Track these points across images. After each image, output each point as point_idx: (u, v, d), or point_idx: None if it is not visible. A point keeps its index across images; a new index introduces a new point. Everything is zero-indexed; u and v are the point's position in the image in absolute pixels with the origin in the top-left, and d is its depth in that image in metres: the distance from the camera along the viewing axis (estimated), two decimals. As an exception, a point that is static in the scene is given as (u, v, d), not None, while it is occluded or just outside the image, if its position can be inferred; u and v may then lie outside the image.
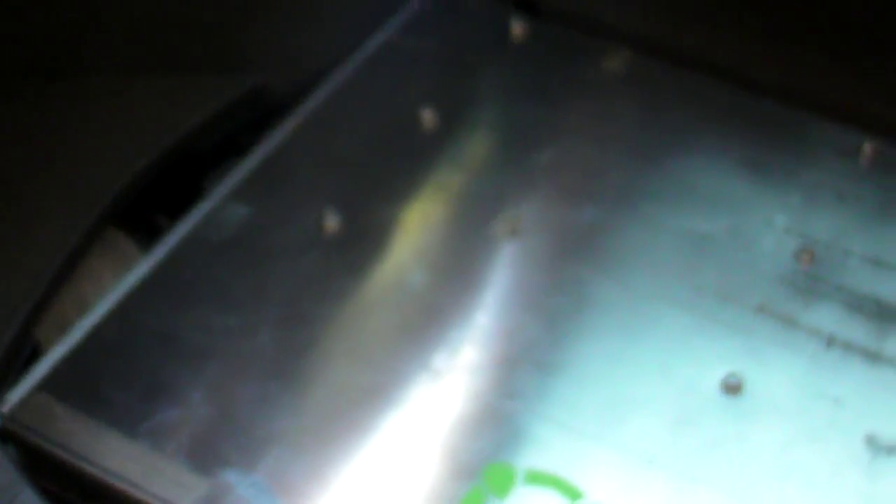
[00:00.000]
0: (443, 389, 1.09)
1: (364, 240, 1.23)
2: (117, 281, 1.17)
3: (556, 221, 1.26)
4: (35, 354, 1.12)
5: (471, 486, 1.01)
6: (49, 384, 1.07)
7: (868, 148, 1.31)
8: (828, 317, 1.15)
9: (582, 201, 1.27)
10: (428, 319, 1.15)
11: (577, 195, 1.28)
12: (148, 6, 1.40)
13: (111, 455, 1.02)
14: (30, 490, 0.95)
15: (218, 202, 1.24)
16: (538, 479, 1.03)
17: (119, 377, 1.09)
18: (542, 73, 1.44)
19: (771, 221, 1.25)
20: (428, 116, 1.35)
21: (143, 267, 1.18)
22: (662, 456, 1.03)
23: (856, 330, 1.13)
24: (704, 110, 1.37)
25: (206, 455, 1.03)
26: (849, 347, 1.13)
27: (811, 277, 1.19)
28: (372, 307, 1.19)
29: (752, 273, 1.20)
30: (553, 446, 1.04)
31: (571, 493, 1.01)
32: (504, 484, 1.02)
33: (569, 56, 1.46)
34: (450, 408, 1.08)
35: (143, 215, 1.30)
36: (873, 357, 1.11)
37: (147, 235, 1.28)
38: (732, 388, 1.08)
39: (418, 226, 1.27)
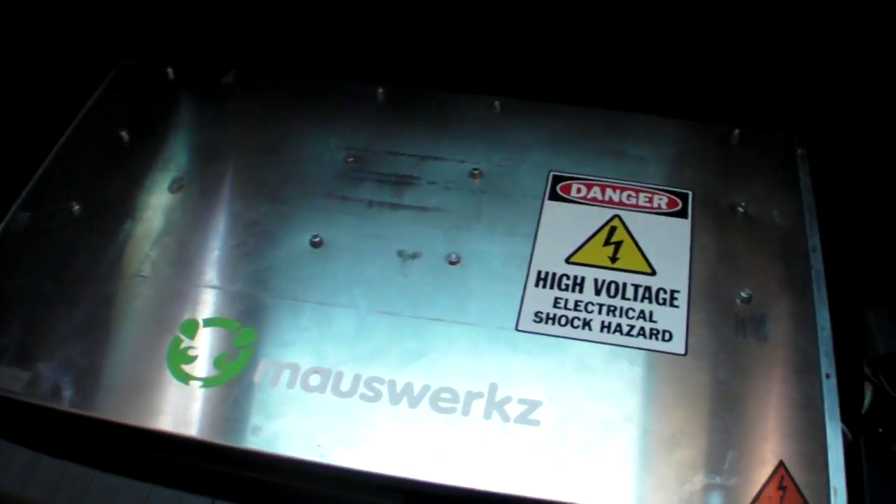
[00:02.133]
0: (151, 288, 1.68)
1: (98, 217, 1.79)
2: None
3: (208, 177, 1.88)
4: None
5: (172, 336, 1.60)
6: None
7: (380, 92, 1.98)
8: (367, 190, 1.80)
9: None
10: (140, 253, 1.77)
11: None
12: None
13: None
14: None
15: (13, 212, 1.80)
16: (211, 322, 1.61)
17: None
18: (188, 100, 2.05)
19: (328, 144, 1.88)
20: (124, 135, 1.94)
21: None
22: (279, 290, 1.66)
23: (384, 194, 1.79)
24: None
25: (25, 358, 1.59)
26: (381, 204, 1.78)
27: (355, 170, 1.83)
28: (107, 253, 1.75)
29: (323, 174, 1.83)
30: (218, 303, 1.65)
31: (231, 325, 1.60)
32: (192, 329, 1.60)
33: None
34: (156, 297, 1.67)
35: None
36: (396, 206, 1.76)
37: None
38: (316, 244, 1.70)
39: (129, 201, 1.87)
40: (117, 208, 1.78)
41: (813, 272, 1.63)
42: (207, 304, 1.61)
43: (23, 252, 1.72)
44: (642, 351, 1.53)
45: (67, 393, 1.51)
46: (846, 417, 1.58)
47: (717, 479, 1.40)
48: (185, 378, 1.52)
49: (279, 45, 2.05)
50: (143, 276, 1.65)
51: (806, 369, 1.53)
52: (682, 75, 1.90)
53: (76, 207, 1.77)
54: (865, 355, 1.68)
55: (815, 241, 1.67)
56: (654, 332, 1.54)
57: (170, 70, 2.03)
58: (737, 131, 1.85)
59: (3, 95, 1.92)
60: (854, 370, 1.67)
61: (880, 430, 1.62)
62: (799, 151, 1.83)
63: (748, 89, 1.89)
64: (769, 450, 1.45)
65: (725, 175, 1.78)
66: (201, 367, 1.53)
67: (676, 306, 1.57)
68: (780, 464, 1.42)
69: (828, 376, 1.52)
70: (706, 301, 1.59)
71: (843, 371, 1.63)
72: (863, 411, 1.67)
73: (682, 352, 1.52)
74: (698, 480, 1.41)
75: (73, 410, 1.50)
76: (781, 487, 1.40)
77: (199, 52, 2.08)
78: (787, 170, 1.80)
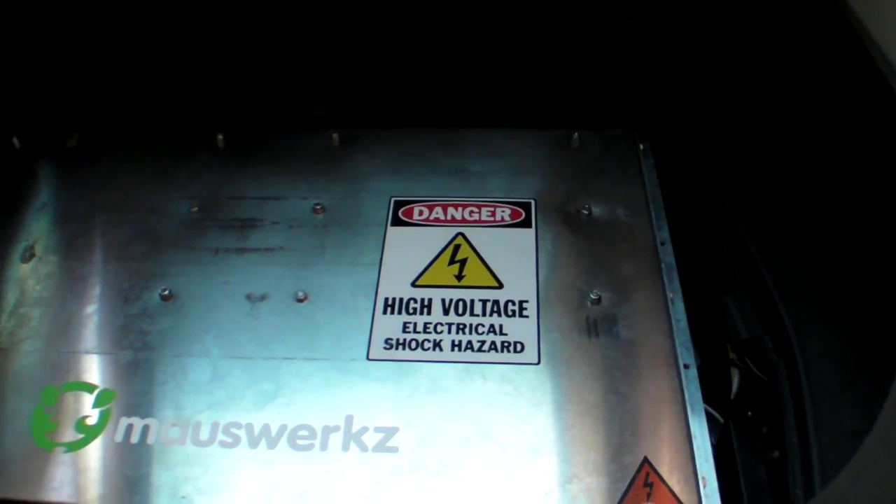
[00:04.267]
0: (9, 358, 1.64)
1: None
2: None
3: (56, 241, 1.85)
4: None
5: (34, 405, 1.57)
6: None
7: (220, 138, 1.96)
8: (213, 238, 1.78)
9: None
10: None
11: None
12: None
13: None
14: None
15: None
16: (70, 387, 1.59)
17: None
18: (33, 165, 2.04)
19: (171, 196, 1.87)
20: None
21: None
22: (133, 348, 1.64)
23: (230, 239, 1.78)
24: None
25: None
26: (227, 250, 1.76)
27: (199, 219, 1.82)
28: None
29: (168, 227, 1.82)
30: (75, 367, 1.63)
31: (89, 388, 1.58)
32: (52, 396, 1.58)
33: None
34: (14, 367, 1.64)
35: None
36: (242, 250, 1.76)
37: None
38: (166, 298, 1.69)
39: None
40: (-35, 281, 1.73)
41: (663, 265, 1.63)
42: (66, 369, 1.60)
43: None
44: (496, 365, 1.52)
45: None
46: (716, 404, 1.59)
47: (582, 484, 1.40)
48: (49, 445, 1.51)
49: (116, 103, 2.03)
50: (1, 349, 1.62)
51: (663, 363, 1.54)
52: (517, 85, 1.91)
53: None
54: (729, 341, 1.68)
55: (663, 234, 1.68)
56: (506, 344, 1.54)
57: (15, 140, 1.99)
58: (576, 134, 1.85)
59: None
60: (719, 357, 1.67)
61: (749, 413, 1.62)
62: (641, 147, 1.83)
63: (584, 91, 1.90)
64: (633, 448, 1.45)
65: (568, 179, 1.79)
66: (64, 432, 1.52)
67: (526, 316, 1.57)
68: (645, 460, 1.42)
69: (686, 367, 1.52)
70: (556, 307, 1.59)
71: (708, 359, 1.63)
72: (731, 397, 1.67)
73: (536, 361, 1.52)
74: (562, 487, 1.41)
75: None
76: (647, 484, 1.40)
77: (41, 119, 2.04)
78: (630, 166, 1.80)
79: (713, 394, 1.64)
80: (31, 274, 1.75)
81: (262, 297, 1.67)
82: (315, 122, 1.95)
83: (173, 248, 1.76)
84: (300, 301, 1.64)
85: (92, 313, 1.67)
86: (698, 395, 1.51)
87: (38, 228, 1.83)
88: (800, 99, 1.74)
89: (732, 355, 1.69)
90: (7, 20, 1.88)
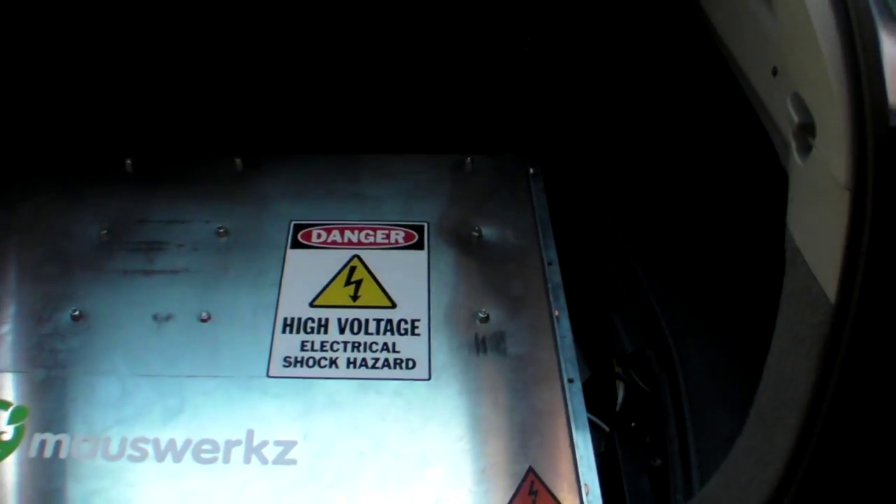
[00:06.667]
0: None
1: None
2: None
3: None
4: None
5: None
6: None
7: (128, 163, 2.02)
8: (121, 260, 1.84)
9: None
10: None
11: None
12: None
13: None
14: None
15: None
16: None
17: None
18: None
19: (81, 219, 1.92)
20: None
21: None
22: (46, 366, 1.68)
23: (137, 261, 1.84)
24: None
25: None
26: (135, 272, 1.83)
27: (108, 242, 1.87)
28: None
29: (78, 249, 1.87)
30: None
31: (3, 405, 1.62)
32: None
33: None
34: None
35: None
36: (149, 272, 1.82)
37: None
38: (76, 318, 1.73)
39: None
40: None
41: (550, 284, 1.71)
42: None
43: None
44: (389, 381, 1.58)
45: None
46: (602, 416, 1.67)
47: (469, 494, 1.47)
48: None
49: (26, 128, 2.06)
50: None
51: (548, 377, 1.61)
52: (413, 111, 1.99)
53: None
54: (615, 355, 1.77)
55: (551, 254, 1.76)
56: (398, 361, 1.61)
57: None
58: (469, 158, 1.93)
59: None
60: (605, 371, 1.76)
61: (633, 424, 1.71)
62: (531, 171, 1.91)
63: (478, 116, 1.98)
64: (519, 458, 1.52)
65: (460, 202, 1.87)
66: None
67: (418, 334, 1.64)
68: (530, 470, 1.50)
69: (571, 381, 1.60)
70: (447, 326, 1.67)
71: (596, 373, 1.72)
72: (617, 409, 1.76)
73: (427, 377, 1.58)
74: (450, 496, 1.47)
75: None
76: (532, 492, 1.47)
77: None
78: (520, 189, 1.88)
79: (599, 406, 1.72)
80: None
81: (168, 318, 1.72)
82: (220, 148, 1.99)
83: (83, 269, 1.80)
84: (204, 321, 1.70)
85: (6, 333, 1.71)
86: (582, 408, 1.58)
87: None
88: (679, 128, 1.84)
89: (618, 369, 1.76)
90: None
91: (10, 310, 1.75)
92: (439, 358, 1.64)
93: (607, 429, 1.70)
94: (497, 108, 1.98)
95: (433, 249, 1.79)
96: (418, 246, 1.78)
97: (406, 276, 1.75)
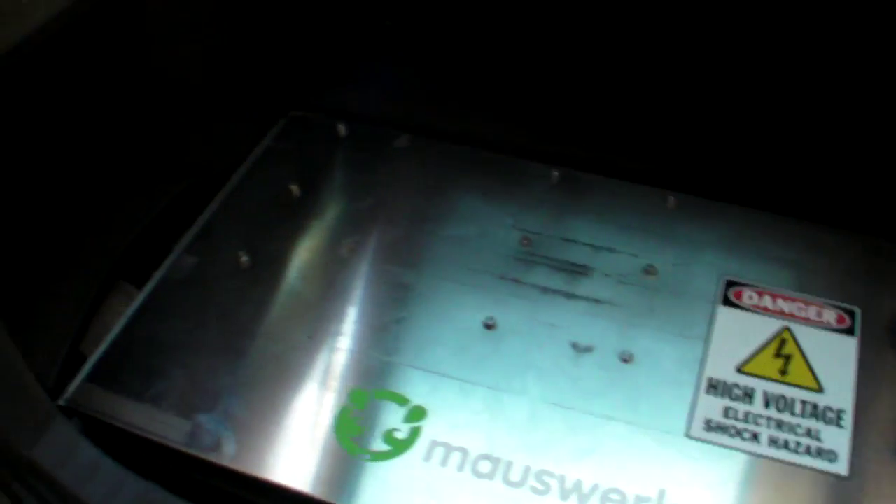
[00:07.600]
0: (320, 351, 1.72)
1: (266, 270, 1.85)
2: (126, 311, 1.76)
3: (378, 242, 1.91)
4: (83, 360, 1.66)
5: (341, 404, 1.63)
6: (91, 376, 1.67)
7: (554, 175, 2.02)
8: (541, 276, 1.82)
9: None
10: (308, 312, 1.79)
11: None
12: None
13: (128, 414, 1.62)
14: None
15: (177, 255, 1.85)
16: (382, 395, 1.64)
17: (129, 367, 1.68)
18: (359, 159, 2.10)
19: (502, 222, 1.92)
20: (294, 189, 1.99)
21: (138, 301, 1.78)
22: (450, 369, 1.68)
23: (558, 281, 1.81)
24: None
25: (185, 407, 1.63)
26: (555, 292, 1.80)
27: (528, 253, 1.86)
28: (274, 308, 1.81)
29: (495, 253, 1.87)
30: (387, 375, 1.68)
31: (401, 400, 1.63)
32: (361, 399, 1.64)
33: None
34: (325, 361, 1.70)
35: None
36: (570, 296, 1.79)
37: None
38: (490, 325, 1.73)
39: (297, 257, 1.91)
40: (286, 264, 1.83)
41: None
42: (375, 374, 1.65)
43: (185, 298, 1.78)
44: (806, 469, 1.53)
45: (228, 448, 1.55)
46: None
47: None
48: (354, 449, 1.54)
49: (452, 113, 2.07)
50: (310, 338, 1.68)
51: None
52: (852, 184, 1.91)
53: (244, 258, 1.82)
54: None
55: None
56: (820, 450, 1.55)
57: (341, 126, 2.05)
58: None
59: (172, 136, 1.96)
60: None
61: None
62: None
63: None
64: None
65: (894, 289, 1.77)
66: (370, 440, 1.55)
67: (842, 426, 1.57)
68: None
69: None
70: (872, 423, 1.58)
71: None
72: None
73: (846, 473, 1.52)
74: None
75: (235, 467, 1.53)
76: None
77: (369, 113, 2.09)
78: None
79: None
80: (347, 269, 1.85)
81: (588, 349, 1.70)
82: (650, 179, 1.97)
83: (500, 277, 1.80)
84: (625, 361, 1.68)
85: (405, 323, 1.75)
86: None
87: (357, 224, 1.94)
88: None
89: None
90: None
91: (414, 300, 1.77)
92: (860, 455, 1.56)
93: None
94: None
95: (864, 338, 1.70)
96: (849, 331, 1.71)
97: (834, 360, 1.68)
